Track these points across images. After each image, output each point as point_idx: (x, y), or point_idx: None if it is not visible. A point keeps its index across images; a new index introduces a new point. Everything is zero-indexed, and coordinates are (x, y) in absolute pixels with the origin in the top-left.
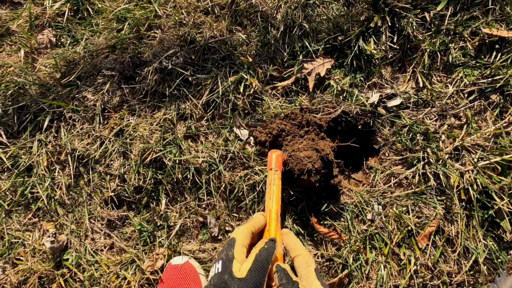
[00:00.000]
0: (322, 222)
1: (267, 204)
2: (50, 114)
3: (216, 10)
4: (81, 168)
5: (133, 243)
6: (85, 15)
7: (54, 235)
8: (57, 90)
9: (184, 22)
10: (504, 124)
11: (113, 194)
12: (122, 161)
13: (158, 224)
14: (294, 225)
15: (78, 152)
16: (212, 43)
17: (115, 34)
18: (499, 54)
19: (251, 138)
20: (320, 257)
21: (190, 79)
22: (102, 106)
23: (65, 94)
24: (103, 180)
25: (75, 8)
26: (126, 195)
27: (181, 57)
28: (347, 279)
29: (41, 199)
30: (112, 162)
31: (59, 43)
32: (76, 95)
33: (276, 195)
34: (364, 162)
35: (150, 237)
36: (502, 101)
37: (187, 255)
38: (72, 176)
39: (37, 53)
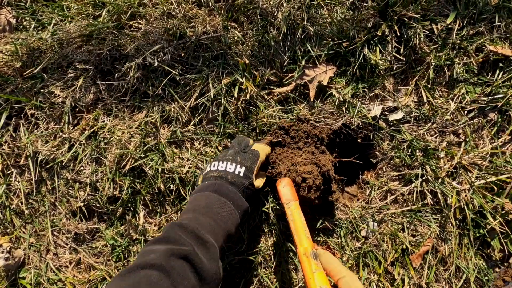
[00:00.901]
0: (315, 239)
1: (295, 242)
2: (7, 110)
3: (210, 3)
4: (44, 173)
5: (104, 259)
6: None
7: (8, 250)
8: (16, 82)
9: (174, 13)
10: (501, 143)
11: (82, 204)
12: (95, 167)
13: (134, 238)
14: (286, 241)
15: (42, 155)
16: (204, 40)
17: (91, 21)
18: (501, 73)
19: None
20: None
21: (177, 78)
22: (73, 104)
23: (26, 88)
24: (70, 188)
25: None
26: (98, 205)
27: (168, 54)
28: None
29: None
30: (82, 168)
31: (21, 27)
32: (41, 90)
33: (298, 232)
34: (360, 176)
35: (124, 253)
36: (499, 120)
37: None
38: (33, 183)
39: None
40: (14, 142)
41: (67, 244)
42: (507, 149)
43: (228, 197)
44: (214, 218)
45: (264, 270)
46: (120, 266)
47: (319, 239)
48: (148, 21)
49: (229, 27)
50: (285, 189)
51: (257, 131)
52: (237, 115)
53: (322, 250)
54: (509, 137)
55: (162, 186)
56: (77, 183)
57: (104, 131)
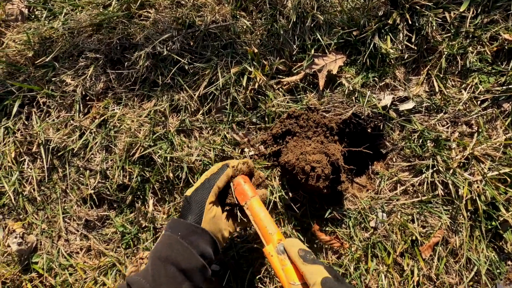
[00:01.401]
0: (323, 229)
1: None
2: (19, 98)
3: None
4: (56, 161)
5: (113, 246)
6: None
7: (21, 236)
8: (28, 70)
9: (183, 2)
10: None
11: (92, 191)
12: (105, 155)
13: (143, 225)
14: (294, 231)
15: (53, 143)
16: (213, 29)
17: (101, 10)
18: None
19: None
20: None
21: (186, 67)
22: (83, 93)
23: (38, 77)
24: (81, 176)
25: None
26: (108, 193)
27: (177, 43)
28: None
29: (7, 194)
30: (92, 156)
31: (33, 16)
32: (52, 79)
33: (260, 230)
34: (370, 166)
35: (134, 240)
36: None
37: None
38: (45, 170)
39: (4, 26)
40: (27, 130)
41: (78, 231)
42: None
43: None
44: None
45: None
46: (130, 253)
47: (327, 229)
48: (158, 10)
49: (238, 16)
50: (240, 188)
51: (266, 120)
52: (245, 104)
53: (290, 239)
54: None
55: (171, 174)
56: (88, 171)
57: (114, 120)
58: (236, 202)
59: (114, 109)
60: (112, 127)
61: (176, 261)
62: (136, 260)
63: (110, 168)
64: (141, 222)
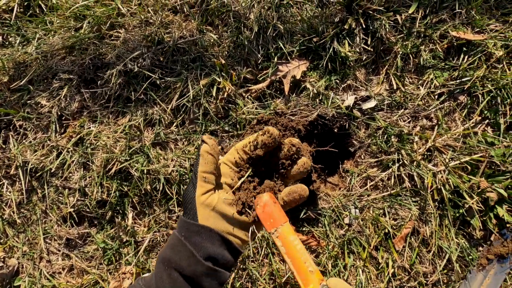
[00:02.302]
0: (300, 229)
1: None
2: None
3: (185, 9)
4: (34, 182)
5: (96, 263)
6: (37, 11)
7: (2, 260)
8: (4, 95)
9: (151, 21)
10: (472, 124)
11: (72, 209)
12: (83, 173)
13: (124, 240)
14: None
15: (31, 164)
16: (181, 44)
17: (72, 33)
18: (466, 57)
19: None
20: None
21: (158, 82)
22: (59, 113)
23: (14, 100)
24: (60, 195)
25: (25, 3)
26: (88, 210)
27: (148, 59)
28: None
29: None
30: (71, 174)
31: (7, 43)
32: (28, 101)
33: (298, 267)
34: (340, 165)
35: (115, 255)
36: (469, 102)
37: None
38: (24, 192)
39: None
40: (4, 153)
41: (59, 251)
42: (479, 129)
43: None
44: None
45: (252, 263)
46: (112, 268)
47: (303, 229)
48: (127, 29)
49: (204, 31)
50: (269, 210)
51: (238, 127)
52: (217, 114)
53: (334, 280)
54: (480, 117)
55: (149, 187)
56: (66, 190)
57: (90, 137)
58: (260, 224)
59: (90, 127)
60: (88, 145)
61: (179, 266)
62: (118, 275)
63: (88, 185)
64: (122, 237)
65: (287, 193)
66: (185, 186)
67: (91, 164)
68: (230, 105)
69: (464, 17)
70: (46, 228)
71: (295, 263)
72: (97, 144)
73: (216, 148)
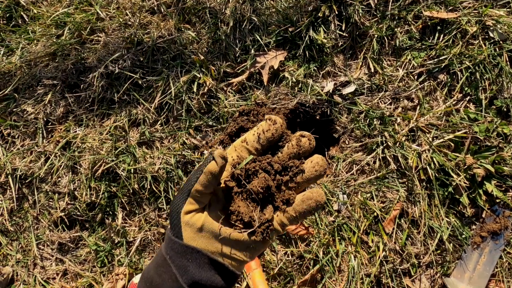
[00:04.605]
0: None
1: None
2: None
3: (162, 9)
4: (25, 189)
5: (89, 266)
6: (20, 22)
7: None
8: None
9: (130, 23)
10: (453, 102)
11: (63, 214)
12: (71, 176)
13: (116, 241)
14: None
15: (20, 171)
16: (160, 43)
17: (54, 40)
18: (442, 35)
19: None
20: (290, 255)
21: (140, 82)
22: (45, 119)
23: (1, 109)
24: (50, 200)
25: (7, 15)
26: (78, 213)
27: (128, 60)
28: (319, 275)
29: None
30: (59, 179)
31: None
32: (14, 109)
33: None
34: (326, 152)
35: (108, 257)
36: (449, 80)
37: None
38: (15, 200)
39: None
40: None
41: (52, 256)
42: (461, 106)
43: None
44: None
45: None
46: (105, 270)
47: None
48: (107, 33)
49: (182, 29)
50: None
51: (221, 121)
52: (200, 109)
53: None
54: (461, 94)
55: (136, 186)
56: (56, 194)
57: (76, 141)
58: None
59: (76, 131)
60: (75, 148)
61: None
62: (112, 277)
63: (77, 188)
64: (113, 238)
65: (300, 200)
66: (176, 193)
67: (79, 167)
68: (212, 99)
69: None
70: (39, 234)
71: None
72: (84, 147)
73: (223, 169)
